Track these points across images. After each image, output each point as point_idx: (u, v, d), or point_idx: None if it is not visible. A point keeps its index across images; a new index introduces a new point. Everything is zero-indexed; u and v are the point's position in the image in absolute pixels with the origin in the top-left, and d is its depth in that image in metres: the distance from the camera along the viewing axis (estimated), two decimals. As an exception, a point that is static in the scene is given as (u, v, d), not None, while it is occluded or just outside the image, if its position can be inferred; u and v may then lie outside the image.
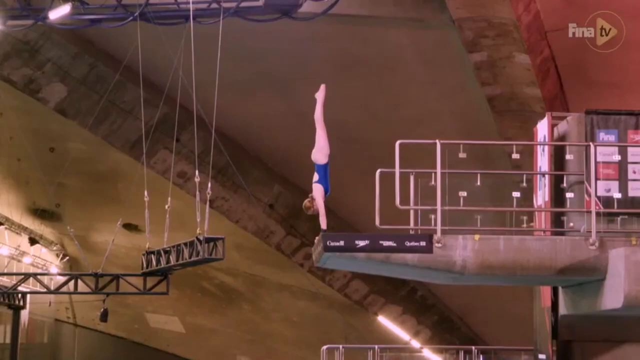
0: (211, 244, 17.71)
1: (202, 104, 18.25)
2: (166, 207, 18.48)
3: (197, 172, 17.82)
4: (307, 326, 30.09)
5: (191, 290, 31.03)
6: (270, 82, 21.08)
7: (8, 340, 30.46)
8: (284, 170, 23.70)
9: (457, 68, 18.92)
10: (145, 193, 18.82)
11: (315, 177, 11.37)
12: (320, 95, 11.71)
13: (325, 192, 11.30)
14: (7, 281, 25.53)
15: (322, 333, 27.99)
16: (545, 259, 10.99)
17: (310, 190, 11.35)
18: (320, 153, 11.47)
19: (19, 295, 27.09)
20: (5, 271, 27.42)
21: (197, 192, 17.67)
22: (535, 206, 12.16)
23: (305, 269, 24.91)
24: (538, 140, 12.24)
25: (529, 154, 12.59)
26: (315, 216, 11.32)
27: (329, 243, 10.95)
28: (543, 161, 11.99)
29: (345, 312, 27.21)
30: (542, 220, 11.95)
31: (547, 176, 11.82)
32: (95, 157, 24.54)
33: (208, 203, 17.48)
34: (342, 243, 10.97)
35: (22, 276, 23.94)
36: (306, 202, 11.25)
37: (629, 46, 16.52)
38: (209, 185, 17.67)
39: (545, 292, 12.53)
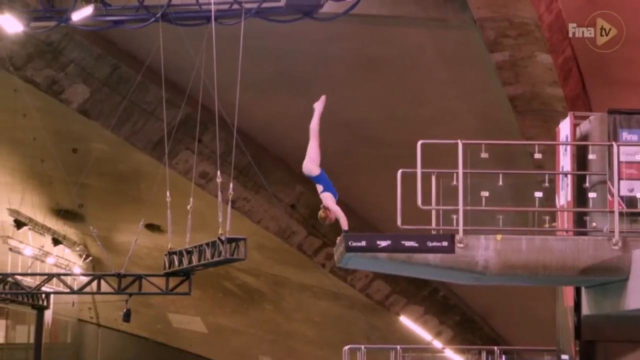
0: (233, 244, 17.75)
1: (223, 104, 18.30)
2: (188, 207, 18.53)
3: (218, 172, 17.87)
4: (328, 326, 30.10)
5: (213, 291, 31.12)
6: (291, 82, 21.11)
7: (32, 340, 30.65)
8: (306, 171, 23.68)
9: (479, 68, 18.88)
10: (167, 193, 18.89)
11: (319, 188, 11.22)
12: (319, 106, 11.62)
13: (335, 196, 11.22)
14: (30, 281, 25.69)
15: (344, 333, 27.99)
16: (568, 259, 10.94)
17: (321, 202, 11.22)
18: (312, 164, 11.33)
19: (43, 295, 27.23)
20: (29, 271, 27.59)
21: (219, 193, 17.72)
22: (558, 206, 12.12)
23: (326, 269, 24.92)
24: (560, 140, 12.19)
25: (551, 153, 12.54)
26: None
27: (351, 243, 10.95)
28: (565, 161, 11.94)
29: (367, 312, 27.19)
30: (565, 220, 11.90)
31: (569, 176, 11.77)
32: (117, 158, 24.66)
33: (230, 203, 17.53)
34: (363, 243, 10.96)
35: (46, 276, 24.08)
36: (320, 213, 11.15)
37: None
38: (231, 185, 17.71)
39: (568, 292, 12.48)
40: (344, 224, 11.12)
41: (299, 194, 23.89)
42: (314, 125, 11.54)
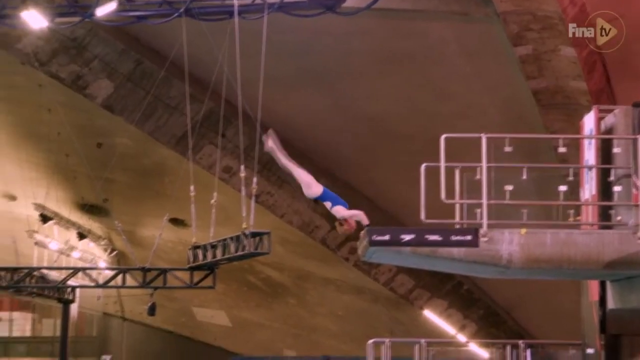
0: (257, 238, 17.80)
1: (246, 99, 18.35)
2: (212, 202, 18.59)
3: (242, 167, 17.92)
4: (352, 320, 30.13)
5: (237, 285, 31.22)
6: (314, 77, 21.13)
7: (58, 334, 30.87)
8: (329, 165, 23.75)
9: (502, 61, 18.82)
10: (192, 188, 18.96)
11: (328, 205, 11.05)
12: (274, 143, 11.40)
13: (345, 206, 11.07)
14: (56, 275, 25.88)
15: (368, 327, 28.01)
16: (593, 253, 10.91)
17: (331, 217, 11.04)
18: (310, 188, 11.18)
19: (69, 289, 27.42)
20: (55, 265, 27.78)
21: (243, 187, 17.77)
22: (582, 200, 12.08)
23: (350, 263, 24.94)
24: (585, 133, 12.15)
25: (575, 147, 12.50)
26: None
27: (375, 237, 10.97)
28: (590, 155, 11.90)
29: (391, 306, 27.20)
30: (590, 214, 11.87)
31: (594, 170, 11.74)
32: (141, 153, 24.78)
33: (253, 197, 17.56)
34: (387, 237, 10.97)
35: (72, 270, 24.26)
36: (339, 229, 11.03)
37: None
38: (255, 180, 17.75)
39: (593, 286, 12.45)
40: (364, 219, 11.04)
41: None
42: (283, 161, 11.36)
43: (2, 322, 36.20)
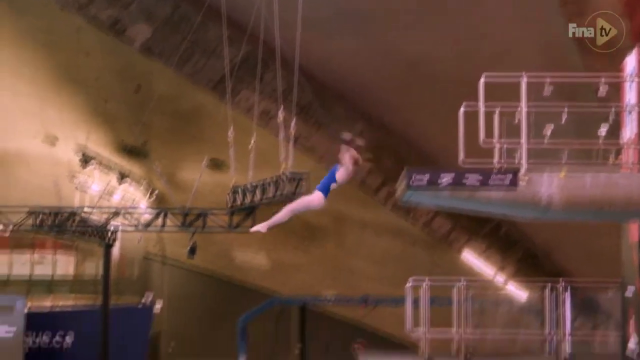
0: (296, 180, 17.87)
1: (284, 42, 18.29)
2: (250, 145, 18.65)
3: (281, 109, 17.93)
4: (390, 263, 30.26)
5: (276, 227, 31.39)
6: (352, 19, 20.99)
7: (100, 275, 31.32)
8: (366, 107, 23.69)
9: (542, 2, 18.56)
10: (230, 131, 19.03)
11: (334, 185, 10.72)
12: (263, 227, 11.21)
13: (336, 168, 10.74)
14: (98, 218, 26.16)
15: (405, 270, 28.08)
16: (634, 195, 10.85)
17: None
18: (314, 201, 10.75)
19: (110, 231, 27.75)
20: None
21: (281, 130, 17.81)
22: (623, 141, 11.98)
23: (388, 205, 24.98)
24: (626, 74, 12.01)
25: (615, 89, 12.37)
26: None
27: (414, 178, 10.96)
28: (631, 95, 11.78)
29: (429, 248, 27.26)
30: (630, 155, 11.78)
31: (635, 110, 11.62)
32: (179, 96, 24.86)
33: (292, 139, 17.59)
34: (426, 178, 10.96)
35: (113, 213, 24.52)
36: (360, 163, 10.71)
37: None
38: (293, 122, 17.78)
39: (633, 227, 12.41)
40: (353, 145, 10.47)
41: (359, 130, 23.88)
42: (278, 218, 11.08)
43: (45, 263, 36.85)
